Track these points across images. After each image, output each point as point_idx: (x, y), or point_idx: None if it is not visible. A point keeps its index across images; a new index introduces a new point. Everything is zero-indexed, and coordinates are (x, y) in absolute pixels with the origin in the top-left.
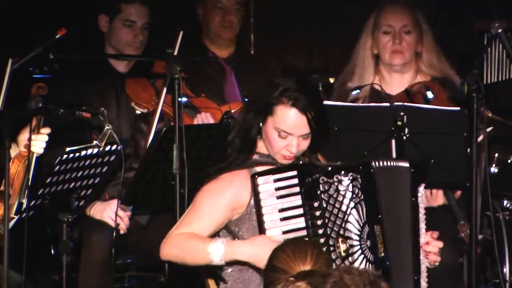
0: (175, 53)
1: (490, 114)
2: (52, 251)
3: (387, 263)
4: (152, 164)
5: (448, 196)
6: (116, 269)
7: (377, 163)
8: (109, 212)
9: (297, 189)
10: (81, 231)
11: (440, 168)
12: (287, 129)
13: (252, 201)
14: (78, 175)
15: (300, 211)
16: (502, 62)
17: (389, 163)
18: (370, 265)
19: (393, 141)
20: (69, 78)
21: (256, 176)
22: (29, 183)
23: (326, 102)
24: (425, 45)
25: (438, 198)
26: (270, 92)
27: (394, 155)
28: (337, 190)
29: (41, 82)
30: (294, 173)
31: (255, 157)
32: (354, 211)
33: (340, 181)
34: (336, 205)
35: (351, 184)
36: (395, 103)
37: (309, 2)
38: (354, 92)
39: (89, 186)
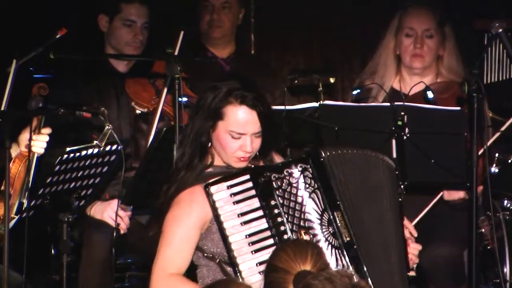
0: (176, 53)
1: (490, 114)
2: (52, 251)
3: (354, 246)
4: (152, 164)
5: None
6: (116, 269)
7: (329, 152)
8: (109, 212)
9: (252, 192)
10: (81, 231)
11: (440, 168)
12: (240, 128)
13: None
14: (79, 175)
15: (260, 212)
16: (502, 62)
17: (348, 151)
18: (337, 251)
19: (393, 141)
20: (69, 78)
21: (209, 186)
22: (30, 183)
23: (326, 102)
24: (447, 49)
25: (460, 191)
26: (215, 96)
27: (394, 155)
28: (290, 184)
29: (42, 82)
30: (247, 177)
31: (209, 169)
32: (310, 201)
33: (290, 174)
34: (292, 198)
35: (302, 175)
36: (395, 103)
37: (309, 2)
38: (355, 92)
39: (89, 186)
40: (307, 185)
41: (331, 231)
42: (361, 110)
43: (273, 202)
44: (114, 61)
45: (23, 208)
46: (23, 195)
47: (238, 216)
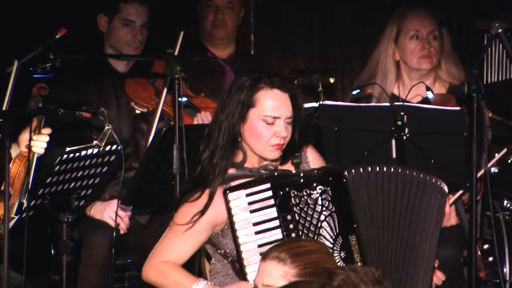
0: (176, 53)
1: (490, 114)
2: (52, 251)
3: None
4: (152, 164)
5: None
6: (116, 269)
7: (353, 171)
8: (109, 212)
9: (271, 201)
10: (81, 231)
11: (440, 168)
12: (274, 112)
13: None
14: (78, 175)
15: (276, 223)
16: (502, 62)
17: (373, 169)
18: None
19: (393, 141)
20: (69, 78)
21: (228, 192)
22: (30, 183)
23: (326, 102)
24: (445, 53)
25: (451, 218)
26: (242, 87)
27: (394, 155)
28: (307, 204)
29: (42, 82)
30: (268, 185)
31: (231, 171)
32: (325, 224)
33: (309, 195)
34: (308, 218)
35: (320, 198)
36: (395, 103)
37: (309, 2)
38: (354, 92)
39: (89, 186)
40: (324, 208)
41: (343, 256)
42: (361, 110)
43: (289, 217)
44: (113, 61)
45: (23, 208)
46: (23, 195)
47: (253, 225)
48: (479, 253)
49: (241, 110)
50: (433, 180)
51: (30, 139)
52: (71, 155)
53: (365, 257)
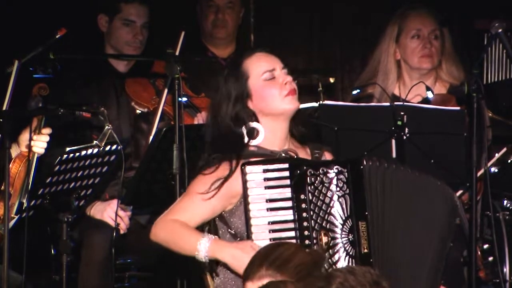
0: (177, 53)
1: (490, 114)
2: (52, 251)
3: (370, 260)
4: (152, 164)
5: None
6: (116, 269)
7: (371, 162)
8: (109, 212)
9: (287, 181)
10: (81, 231)
11: (440, 168)
12: (267, 66)
13: None
14: (78, 175)
15: (289, 203)
16: (502, 62)
17: (390, 165)
18: (351, 259)
19: (393, 141)
20: (69, 78)
21: (245, 165)
22: (30, 183)
23: (326, 102)
24: (445, 53)
25: None
26: (229, 73)
27: (394, 155)
28: (322, 182)
29: (42, 82)
30: (286, 165)
31: (252, 148)
32: (337, 204)
33: (325, 173)
34: (321, 197)
35: (336, 177)
36: (395, 103)
37: (309, 2)
38: (354, 92)
39: (89, 186)
40: (338, 188)
41: (350, 239)
42: (361, 110)
43: (302, 196)
44: (114, 61)
45: (23, 208)
46: (23, 195)
47: (266, 202)
48: (479, 253)
49: (239, 89)
50: (444, 189)
51: (30, 139)
52: (71, 155)
53: (373, 247)
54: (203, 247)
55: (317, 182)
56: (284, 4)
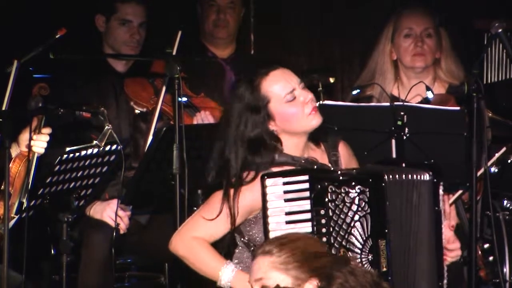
0: (174, 53)
1: (490, 114)
2: (52, 251)
3: (389, 278)
4: (152, 164)
5: (458, 209)
6: (116, 269)
7: (391, 176)
8: (109, 212)
9: (307, 193)
10: (81, 231)
11: None
12: (287, 88)
13: None
14: (78, 175)
15: (308, 215)
16: (502, 62)
17: (407, 176)
18: None
19: (393, 141)
20: (69, 78)
21: (265, 178)
22: (30, 183)
23: (326, 102)
24: (444, 52)
25: (451, 218)
26: (243, 95)
27: (394, 155)
28: (344, 201)
29: (42, 82)
30: (306, 177)
31: (275, 156)
32: (358, 224)
33: (347, 193)
34: (341, 216)
35: (357, 197)
36: (395, 103)
37: (309, 1)
38: (354, 92)
39: (89, 186)
40: (359, 208)
41: (370, 259)
42: (361, 110)
43: (322, 212)
44: (112, 61)
45: (23, 208)
46: (23, 195)
47: (285, 214)
48: (479, 252)
49: (258, 113)
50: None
51: (30, 139)
52: (71, 155)
53: (391, 264)
54: (226, 277)
55: (338, 200)
56: (284, 4)
